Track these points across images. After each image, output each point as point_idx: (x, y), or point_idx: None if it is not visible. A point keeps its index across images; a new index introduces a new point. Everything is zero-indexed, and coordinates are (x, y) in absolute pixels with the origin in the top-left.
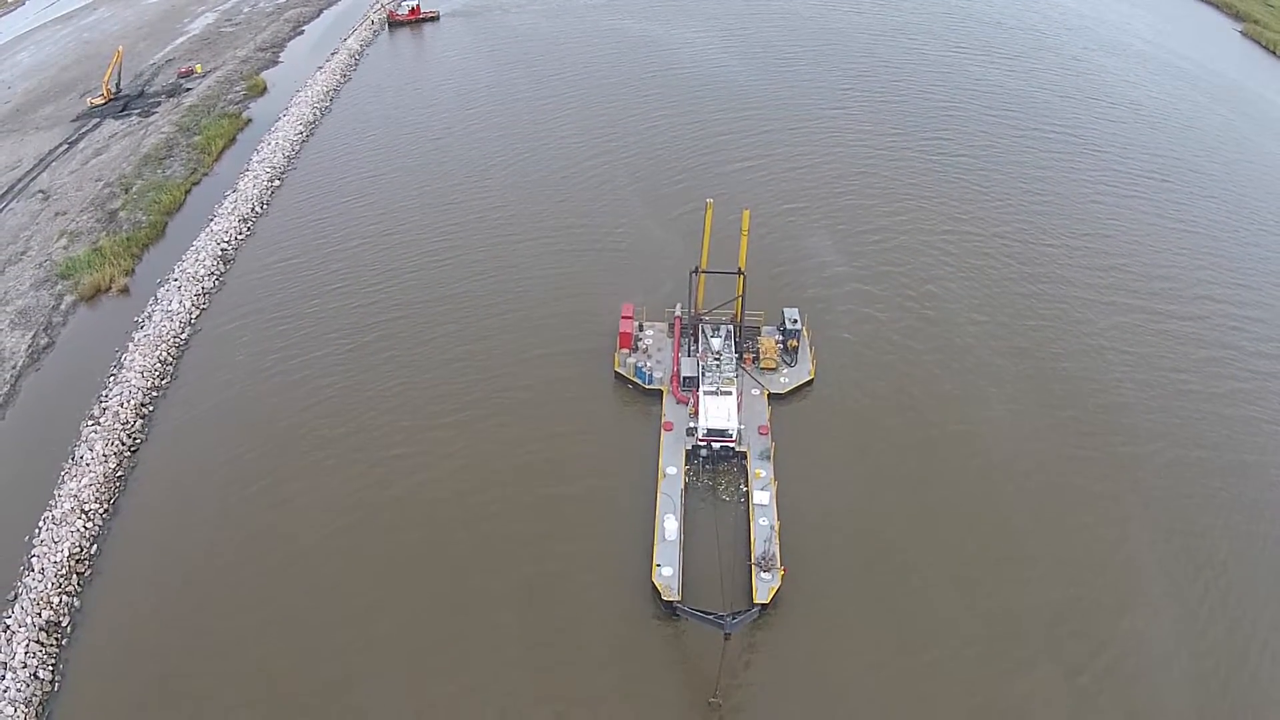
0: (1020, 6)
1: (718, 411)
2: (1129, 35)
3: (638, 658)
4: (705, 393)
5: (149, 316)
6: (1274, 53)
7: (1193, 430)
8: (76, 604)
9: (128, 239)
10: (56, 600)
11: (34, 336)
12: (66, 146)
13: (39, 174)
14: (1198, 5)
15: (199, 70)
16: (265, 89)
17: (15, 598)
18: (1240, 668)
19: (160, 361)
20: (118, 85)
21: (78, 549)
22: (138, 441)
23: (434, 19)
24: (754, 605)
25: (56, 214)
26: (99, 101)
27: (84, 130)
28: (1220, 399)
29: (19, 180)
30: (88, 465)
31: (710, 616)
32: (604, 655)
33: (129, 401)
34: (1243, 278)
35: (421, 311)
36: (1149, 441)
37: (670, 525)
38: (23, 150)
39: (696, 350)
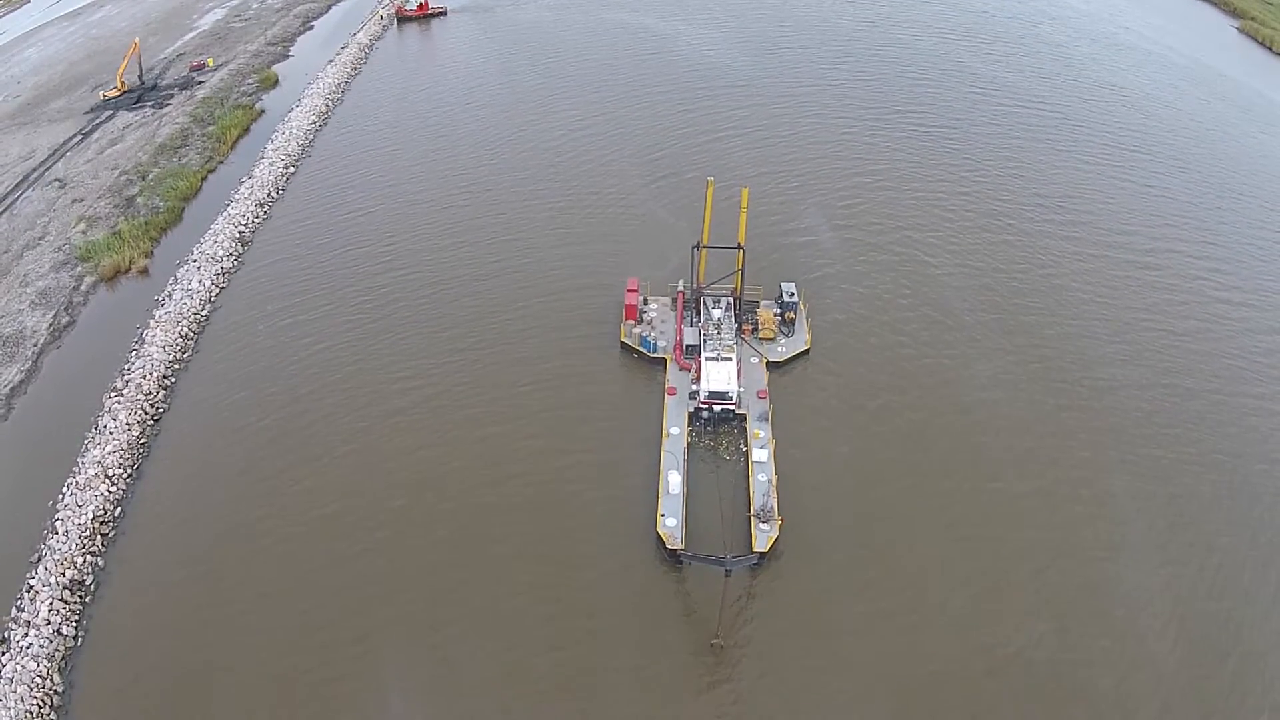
0: (1018, 2)
1: (718, 375)
2: (1118, 27)
3: (643, 603)
4: (707, 358)
5: (169, 295)
6: (1269, 48)
7: (1164, 367)
8: (100, 563)
9: (146, 223)
10: (80, 560)
11: (55, 315)
12: (80, 137)
13: (54, 163)
14: (1195, 2)
15: (211, 64)
16: (277, 82)
17: (39, 559)
18: (1208, 595)
19: (181, 337)
20: (139, 77)
21: (101, 511)
22: (160, 411)
23: (442, 14)
24: (753, 553)
25: (74, 201)
26: (113, 94)
27: (97, 122)
28: (1186, 337)
29: (34, 169)
30: (111, 433)
31: (712, 557)
32: (611, 601)
33: (151, 374)
34: (1212, 236)
35: (433, 284)
36: (1123, 384)
37: (674, 479)
38: (36, 141)
39: (698, 321)
